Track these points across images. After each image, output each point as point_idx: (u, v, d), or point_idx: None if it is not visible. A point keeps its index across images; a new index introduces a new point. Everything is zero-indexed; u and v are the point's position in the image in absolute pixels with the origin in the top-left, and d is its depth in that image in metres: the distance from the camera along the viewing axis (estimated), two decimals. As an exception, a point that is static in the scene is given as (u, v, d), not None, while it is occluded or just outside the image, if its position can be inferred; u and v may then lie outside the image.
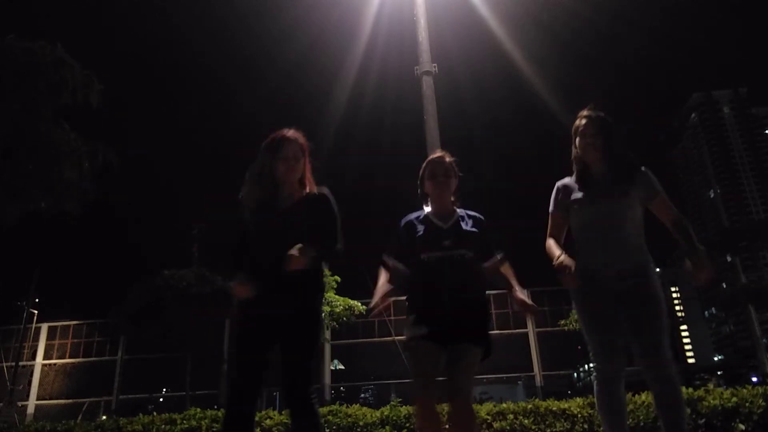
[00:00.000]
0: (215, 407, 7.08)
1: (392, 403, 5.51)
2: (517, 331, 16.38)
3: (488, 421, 4.95)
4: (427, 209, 2.97)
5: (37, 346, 18.43)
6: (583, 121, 2.91)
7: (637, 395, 4.83)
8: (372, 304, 2.75)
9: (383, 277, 2.83)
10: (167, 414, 5.84)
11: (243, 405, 2.49)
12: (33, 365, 18.05)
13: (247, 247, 2.68)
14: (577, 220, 2.90)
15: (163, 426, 5.59)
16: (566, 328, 14.87)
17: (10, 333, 19.12)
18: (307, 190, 2.76)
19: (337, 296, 12.13)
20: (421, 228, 2.84)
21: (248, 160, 2.79)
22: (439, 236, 2.77)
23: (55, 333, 18.69)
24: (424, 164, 2.98)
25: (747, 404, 4.57)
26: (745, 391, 4.79)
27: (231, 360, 2.61)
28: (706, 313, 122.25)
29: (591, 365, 2.90)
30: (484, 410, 5.09)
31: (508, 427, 4.90)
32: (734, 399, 4.63)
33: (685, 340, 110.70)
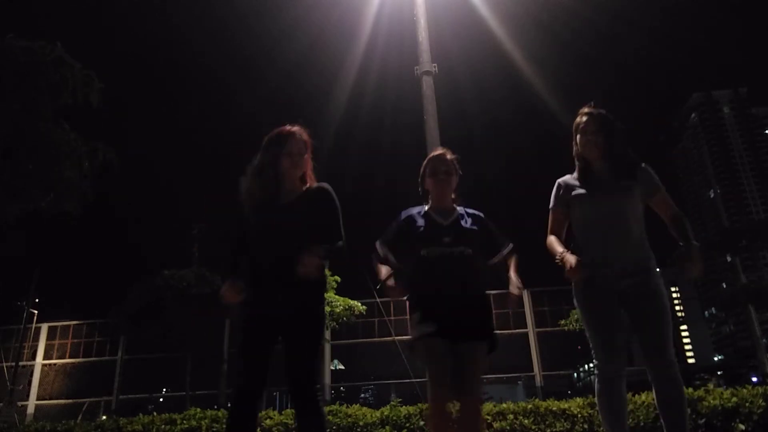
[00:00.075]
0: (215, 407, 7.08)
1: (392, 403, 5.51)
2: (517, 331, 16.34)
3: (488, 421, 4.95)
4: (426, 206, 2.97)
5: (37, 346, 18.39)
6: (584, 118, 2.91)
7: (637, 395, 4.83)
8: (383, 278, 2.71)
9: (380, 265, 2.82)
10: (167, 414, 5.84)
11: (247, 405, 2.48)
12: (33, 365, 18.02)
13: (247, 247, 2.68)
14: (577, 217, 2.89)
15: (163, 426, 5.59)
16: (566, 328, 14.84)
17: (10, 333, 19.08)
18: (308, 187, 2.76)
19: (337, 296, 12.11)
20: (421, 223, 2.84)
21: (248, 160, 2.78)
22: (439, 232, 2.77)
23: (55, 333, 18.66)
24: (426, 161, 2.98)
25: (747, 404, 4.57)
26: (745, 391, 4.78)
27: (235, 361, 2.59)
28: (706, 313, 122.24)
29: (591, 365, 2.90)
30: (484, 410, 5.09)
31: (508, 427, 4.90)
32: (734, 399, 4.63)
33: (685, 340, 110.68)
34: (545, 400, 5.40)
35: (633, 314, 2.71)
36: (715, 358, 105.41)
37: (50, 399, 17.65)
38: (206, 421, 5.49)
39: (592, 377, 2.89)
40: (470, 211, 2.95)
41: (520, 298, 2.79)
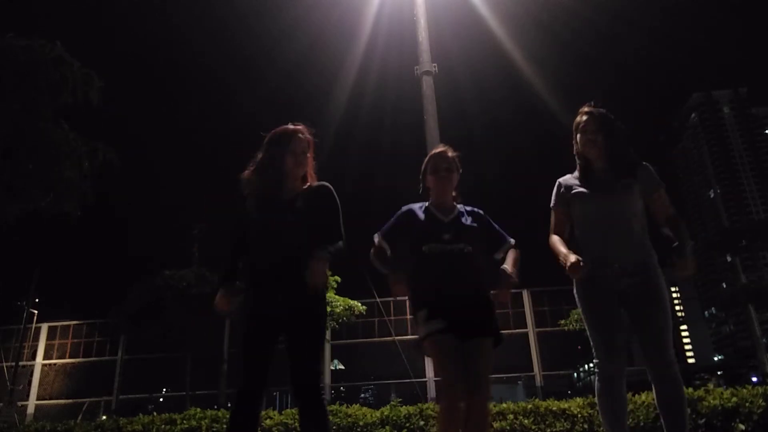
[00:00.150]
0: (215, 407, 7.08)
1: (392, 403, 5.51)
2: (517, 331, 16.35)
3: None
4: (427, 203, 2.98)
5: (37, 346, 18.40)
6: (584, 118, 2.91)
7: (637, 395, 4.82)
8: (395, 290, 2.70)
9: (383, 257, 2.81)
10: (167, 414, 5.84)
11: (248, 405, 2.48)
12: (33, 365, 18.03)
13: (247, 247, 2.68)
14: (578, 216, 2.89)
15: (163, 426, 5.58)
16: (566, 328, 14.84)
17: (10, 333, 19.10)
18: (308, 185, 2.76)
19: (337, 296, 12.11)
20: (422, 219, 2.85)
21: (248, 161, 2.79)
22: (440, 229, 2.78)
23: (55, 333, 18.67)
24: (427, 158, 2.99)
25: (747, 404, 4.56)
26: (745, 391, 4.78)
27: (237, 361, 2.58)
28: (706, 313, 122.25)
29: (591, 365, 2.90)
30: (484, 410, 5.09)
31: (508, 427, 4.90)
32: (734, 399, 4.63)
33: (685, 340, 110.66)
34: (545, 400, 5.40)
35: (633, 314, 2.71)
36: (715, 358, 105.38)
37: (50, 399, 17.65)
38: (206, 421, 5.49)
39: (592, 377, 2.89)
40: (470, 208, 2.96)
41: (512, 283, 2.72)
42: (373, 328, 16.97)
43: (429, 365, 14.09)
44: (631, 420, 4.53)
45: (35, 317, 19.76)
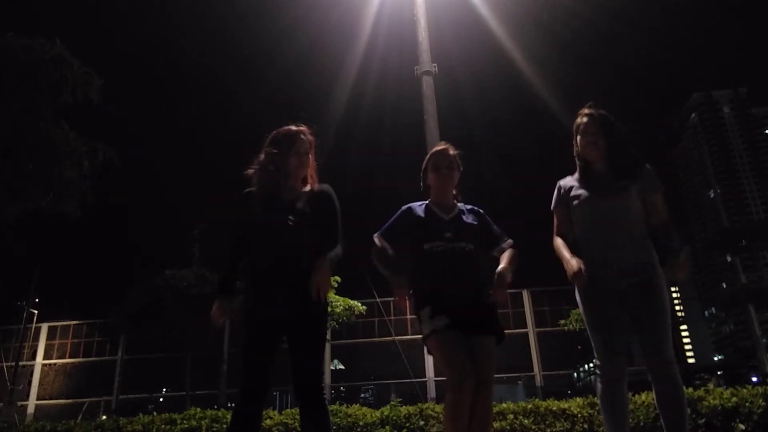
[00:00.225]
0: (215, 407, 7.08)
1: (392, 403, 5.51)
2: (517, 331, 16.34)
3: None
4: (428, 201, 2.98)
5: (37, 346, 18.39)
6: (585, 119, 2.91)
7: (637, 395, 4.82)
8: (397, 295, 2.71)
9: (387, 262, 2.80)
10: (167, 414, 5.83)
11: (249, 406, 2.48)
12: (33, 365, 18.02)
13: (247, 247, 2.68)
14: (578, 217, 2.89)
15: (163, 426, 5.58)
16: (566, 328, 14.82)
17: (10, 333, 19.08)
18: (309, 187, 2.77)
19: (337, 296, 12.10)
20: (423, 217, 2.85)
21: (248, 161, 2.79)
22: (441, 227, 2.78)
23: (55, 333, 18.66)
24: (428, 156, 3.00)
25: (747, 404, 4.56)
26: (745, 391, 4.78)
27: (238, 361, 2.59)
28: (706, 313, 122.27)
29: (591, 365, 2.91)
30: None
31: (508, 427, 4.90)
32: (734, 399, 4.63)
33: (685, 340, 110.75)
34: (545, 400, 5.40)
35: (633, 314, 2.72)
36: (715, 358, 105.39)
37: (50, 399, 17.64)
38: (206, 421, 5.49)
39: (592, 377, 2.90)
40: (470, 207, 2.97)
41: (507, 282, 2.72)
42: (373, 328, 16.96)
43: (429, 365, 14.11)
44: (631, 420, 4.53)
45: (35, 317, 19.77)
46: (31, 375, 17.86)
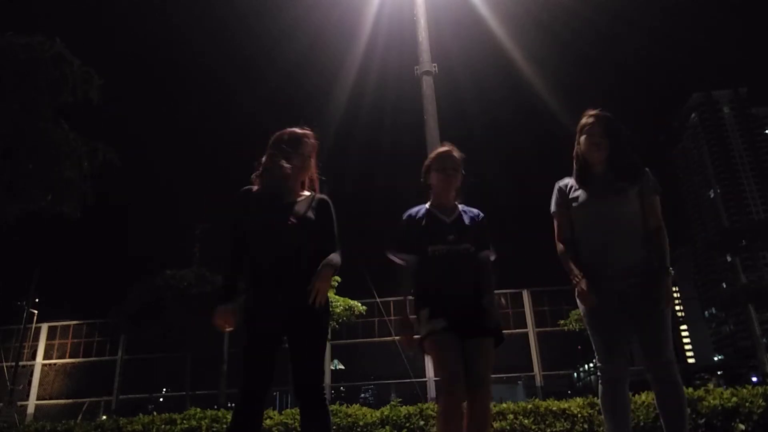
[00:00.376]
0: (215, 407, 7.08)
1: (392, 403, 5.50)
2: (517, 331, 16.35)
3: (488, 421, 4.95)
4: (427, 205, 2.98)
5: (37, 346, 18.40)
6: (591, 120, 2.90)
7: (637, 395, 4.82)
8: (406, 347, 2.77)
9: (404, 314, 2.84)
10: (167, 414, 5.83)
11: (250, 406, 2.49)
12: (33, 365, 18.03)
13: (247, 248, 2.68)
14: (577, 219, 2.89)
15: (163, 426, 5.58)
16: (566, 328, 14.83)
17: (10, 333, 19.10)
18: (309, 192, 2.79)
19: (337, 296, 12.11)
20: (425, 221, 2.85)
21: (248, 160, 2.81)
22: (443, 230, 2.79)
23: (55, 333, 18.66)
24: (433, 156, 2.99)
25: (747, 404, 4.56)
26: (745, 391, 4.78)
27: (239, 361, 2.59)
28: (706, 313, 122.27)
29: (591, 365, 2.91)
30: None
31: (508, 427, 4.90)
32: (734, 399, 4.63)
33: (685, 340, 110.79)
34: (545, 399, 5.40)
35: (633, 314, 2.72)
36: (715, 358, 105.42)
37: (50, 399, 17.65)
38: (206, 421, 5.49)
39: (592, 377, 2.90)
40: (469, 208, 2.97)
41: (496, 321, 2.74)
42: (373, 328, 16.97)
43: (429, 365, 14.11)
44: (631, 420, 4.53)
45: (35, 317, 19.76)
46: (31, 375, 17.86)
